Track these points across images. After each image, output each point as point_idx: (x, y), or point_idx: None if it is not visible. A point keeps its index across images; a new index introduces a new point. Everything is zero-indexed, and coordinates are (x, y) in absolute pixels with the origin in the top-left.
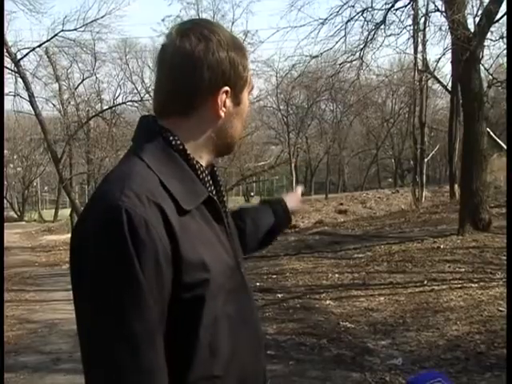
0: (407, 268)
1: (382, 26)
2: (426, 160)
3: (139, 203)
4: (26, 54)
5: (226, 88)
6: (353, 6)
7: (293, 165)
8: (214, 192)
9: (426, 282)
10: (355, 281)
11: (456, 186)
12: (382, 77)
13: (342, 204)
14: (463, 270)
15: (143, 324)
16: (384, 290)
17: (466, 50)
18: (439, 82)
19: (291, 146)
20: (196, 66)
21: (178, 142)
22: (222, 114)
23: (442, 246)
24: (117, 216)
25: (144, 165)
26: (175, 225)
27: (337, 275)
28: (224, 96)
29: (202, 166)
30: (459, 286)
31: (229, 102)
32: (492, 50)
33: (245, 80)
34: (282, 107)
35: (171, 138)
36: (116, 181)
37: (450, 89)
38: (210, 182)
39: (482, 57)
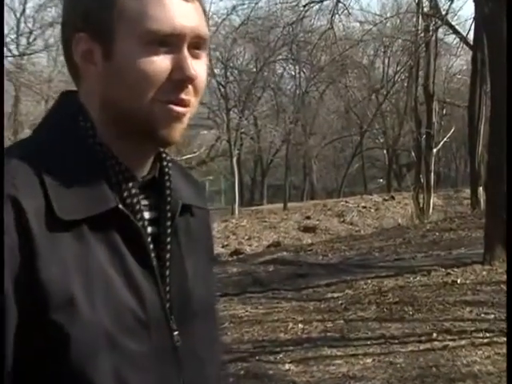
0: (407, 314)
1: None
2: (434, 151)
3: None
4: None
5: (81, 34)
6: None
7: (234, 159)
8: (140, 207)
9: (435, 336)
10: (329, 333)
11: (480, 190)
12: (368, 25)
13: (308, 217)
14: (492, 316)
15: None
16: (372, 348)
17: None
18: (455, 31)
19: (232, 130)
20: (62, 8)
21: (88, 125)
22: (88, 74)
23: (459, 281)
24: None
25: (31, 153)
26: (37, 234)
27: (301, 325)
28: (83, 45)
29: (119, 164)
30: (486, 341)
31: (98, 56)
32: None
33: (115, 20)
34: (217, 71)
35: (82, 121)
36: None
37: (471, 42)
38: (133, 191)
39: None
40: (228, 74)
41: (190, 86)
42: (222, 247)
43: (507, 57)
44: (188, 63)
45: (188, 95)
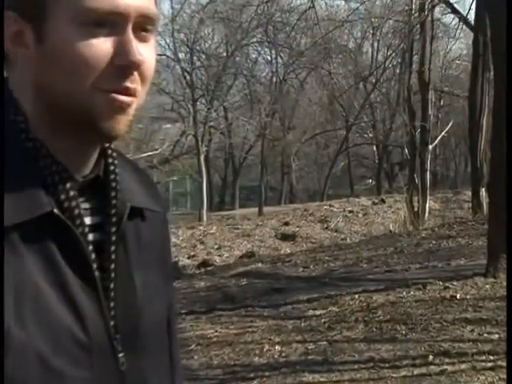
0: (399, 334)
1: None
2: (430, 147)
3: None
4: None
5: (9, 13)
6: None
7: (202, 157)
8: (79, 211)
9: (431, 359)
10: (310, 357)
11: (483, 191)
12: (355, 3)
13: (287, 224)
14: (496, 336)
15: None
16: (360, 373)
17: None
18: (454, 10)
19: (199, 123)
20: None
21: (20, 118)
22: (19, 58)
23: (458, 296)
24: None
25: None
26: None
27: (278, 347)
28: (13, 26)
29: (55, 162)
30: (489, 365)
31: (29, 38)
32: None
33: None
34: (182, 56)
35: (13, 114)
36: None
37: (472, 23)
38: (71, 193)
39: None
40: (194, 59)
41: (135, 73)
42: (188, 258)
43: (507, 40)
44: (133, 46)
45: (134, 83)
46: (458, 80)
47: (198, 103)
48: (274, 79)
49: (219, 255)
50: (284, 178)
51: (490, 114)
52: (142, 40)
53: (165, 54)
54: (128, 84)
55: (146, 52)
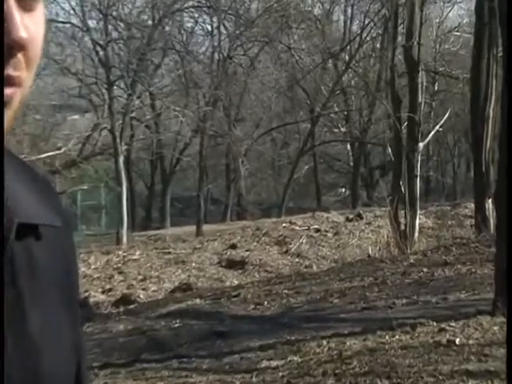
0: None
1: None
2: (421, 145)
3: None
4: None
5: None
6: None
7: (121, 158)
8: None
9: None
10: None
11: (489, 203)
12: None
13: (234, 247)
14: None
15: None
16: None
17: None
18: None
19: (117, 114)
20: None
21: None
22: None
23: (458, 341)
24: None
25: None
26: None
27: None
28: None
29: None
30: None
31: None
32: None
33: None
34: (92, 24)
35: None
36: None
37: None
38: None
39: None
40: (110, 28)
41: (19, 56)
42: (103, 293)
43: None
44: (15, 20)
45: (17, 70)
46: (457, 57)
47: (116, 87)
48: (217, 56)
49: (144, 289)
50: (230, 187)
51: (498, 102)
52: (27, 9)
53: (70, 22)
54: (10, 72)
55: (32, 25)
